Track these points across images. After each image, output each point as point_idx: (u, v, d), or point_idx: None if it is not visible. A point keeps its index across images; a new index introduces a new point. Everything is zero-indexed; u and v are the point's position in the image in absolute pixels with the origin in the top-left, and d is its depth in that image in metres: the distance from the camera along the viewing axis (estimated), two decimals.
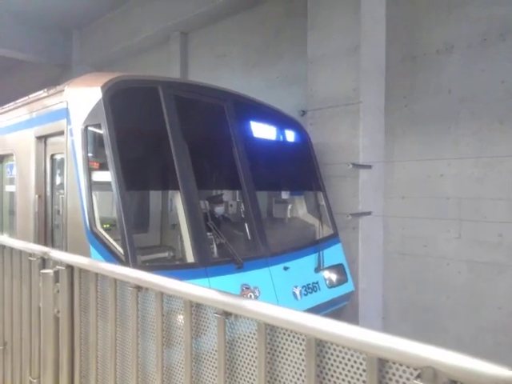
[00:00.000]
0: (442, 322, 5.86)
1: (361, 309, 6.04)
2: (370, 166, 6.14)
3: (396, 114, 6.41)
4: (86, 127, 3.75)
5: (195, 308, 1.30)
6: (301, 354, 1.01)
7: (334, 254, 5.10)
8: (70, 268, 1.84)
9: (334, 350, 0.95)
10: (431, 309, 6.00)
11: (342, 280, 5.02)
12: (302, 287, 4.39)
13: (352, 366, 0.92)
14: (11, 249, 2.34)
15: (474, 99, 5.62)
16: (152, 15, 10.29)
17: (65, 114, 4.05)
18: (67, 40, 13.08)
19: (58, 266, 1.88)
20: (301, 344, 1.01)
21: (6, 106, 5.93)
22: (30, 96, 5.21)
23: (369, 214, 6.17)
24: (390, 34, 6.39)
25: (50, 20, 11.90)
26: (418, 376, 0.78)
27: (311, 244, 4.93)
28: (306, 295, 4.38)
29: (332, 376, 0.97)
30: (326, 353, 0.97)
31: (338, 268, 5.05)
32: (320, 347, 0.97)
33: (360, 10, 5.99)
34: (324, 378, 0.98)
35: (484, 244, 5.57)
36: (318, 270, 4.72)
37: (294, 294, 4.27)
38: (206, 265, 3.58)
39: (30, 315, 2.13)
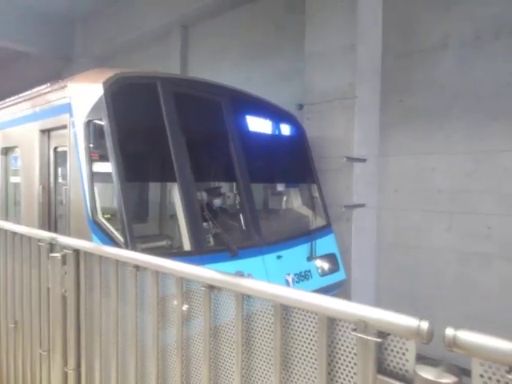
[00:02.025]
0: (431, 311, 6.07)
1: (353, 297, 6.26)
2: (364, 160, 6.32)
3: (391, 109, 6.57)
4: (89, 122, 3.93)
5: (185, 283, 1.51)
6: (270, 318, 1.22)
7: (326, 244, 5.30)
8: (77, 252, 2.06)
9: (296, 313, 1.16)
10: (421, 298, 6.22)
11: (334, 269, 5.22)
12: (295, 275, 4.60)
13: (309, 325, 1.13)
14: (21, 235, 2.56)
15: (467, 95, 5.78)
16: (154, 8, 10.39)
17: (68, 108, 4.23)
18: (70, 33, 13.17)
19: (65, 250, 2.09)
20: (271, 310, 1.21)
21: (10, 99, 6.10)
22: (34, 90, 5.39)
23: (362, 206, 6.36)
24: (386, 30, 6.53)
25: (53, 12, 12.01)
26: (355, 329, 0.99)
27: (304, 234, 5.12)
28: (298, 282, 4.59)
29: (294, 334, 1.17)
30: (290, 315, 1.18)
31: (330, 257, 5.25)
32: (285, 311, 1.18)
33: (357, 7, 6.12)
34: (288, 336, 1.19)
35: (473, 235, 5.77)
36: (310, 258, 4.92)
37: (287, 281, 4.48)
38: (201, 253, 3.78)
39: (39, 295, 2.34)
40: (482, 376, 0.85)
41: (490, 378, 0.84)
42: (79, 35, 13.23)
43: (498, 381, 0.83)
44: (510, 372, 0.81)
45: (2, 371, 2.81)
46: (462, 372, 0.92)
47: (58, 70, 13.85)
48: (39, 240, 2.35)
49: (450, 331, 0.84)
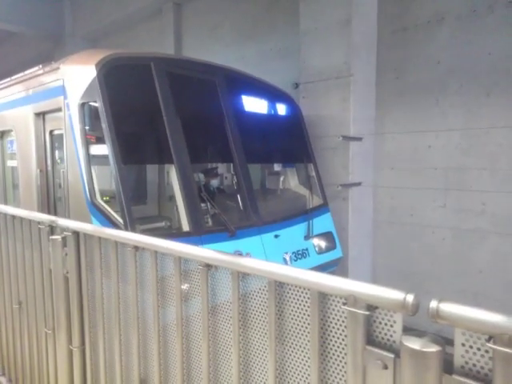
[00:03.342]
0: (426, 287, 6.21)
1: (350, 274, 6.39)
2: (360, 138, 6.32)
3: (387, 86, 6.53)
4: (83, 104, 3.91)
5: (183, 262, 1.56)
6: (265, 295, 1.27)
7: (323, 223, 5.38)
8: (76, 234, 2.11)
9: (289, 289, 1.21)
10: (417, 274, 6.35)
11: (331, 247, 5.32)
12: (292, 253, 4.68)
13: (302, 300, 1.19)
14: (21, 218, 2.60)
15: (462, 71, 5.74)
16: None
17: (61, 91, 4.20)
18: (59, 11, 12.87)
19: (65, 232, 2.14)
20: (265, 287, 1.27)
21: (3, 81, 6.02)
22: (26, 72, 5.31)
23: (359, 184, 6.41)
24: (381, 6, 6.42)
25: None
26: (345, 303, 1.05)
27: (301, 213, 5.19)
28: (295, 261, 4.68)
29: (288, 309, 1.23)
30: (284, 292, 1.23)
31: (327, 236, 5.34)
32: (279, 288, 1.23)
33: None
34: (282, 312, 1.25)
35: (468, 212, 5.84)
36: (307, 237, 5.00)
37: (285, 259, 4.56)
38: (200, 233, 3.84)
39: (41, 277, 2.41)
40: (463, 345, 0.91)
41: (471, 347, 0.90)
42: (68, 14, 12.92)
43: (479, 349, 0.89)
44: (489, 341, 0.87)
45: (9, 350, 2.90)
46: (447, 342, 0.98)
47: (50, 49, 13.59)
48: (39, 223, 2.40)
49: (433, 303, 0.89)
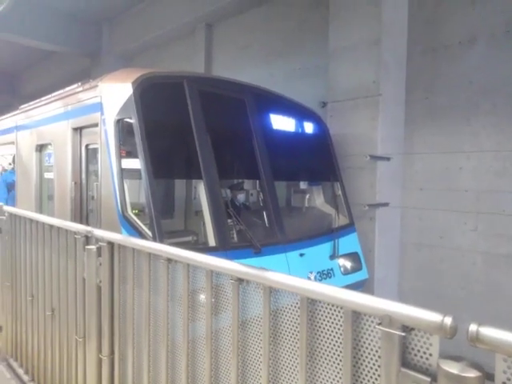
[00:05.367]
0: (456, 312, 5.96)
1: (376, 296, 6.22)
2: (388, 158, 6.26)
3: (416, 105, 6.48)
4: (119, 120, 4.07)
5: (215, 276, 1.59)
6: (297, 311, 1.28)
7: (349, 243, 5.30)
8: (111, 244, 2.18)
9: (322, 306, 1.21)
10: (446, 298, 6.13)
11: (357, 268, 5.22)
12: (317, 273, 4.63)
13: (335, 319, 1.18)
14: (58, 228, 2.71)
15: (496, 91, 5.64)
16: (178, 7, 10.56)
17: (99, 107, 4.39)
18: (97, 31, 13.57)
19: (100, 243, 2.21)
20: (297, 303, 1.27)
21: (43, 98, 6.35)
22: (66, 89, 5.59)
23: (386, 204, 6.32)
24: (411, 26, 6.44)
25: (82, 13, 12.42)
26: (380, 323, 1.04)
27: (327, 232, 5.14)
28: (320, 280, 4.62)
29: (319, 327, 1.23)
30: (316, 309, 1.23)
31: (353, 256, 5.25)
32: (311, 305, 1.23)
33: (381, 2, 6.05)
34: (314, 329, 1.25)
35: (500, 236, 5.64)
36: (332, 257, 4.94)
37: (309, 278, 4.51)
38: (226, 249, 3.87)
39: (75, 285, 2.49)
40: (505, 372, 0.88)
41: None
42: (106, 34, 13.58)
43: None
44: None
45: (39, 356, 2.99)
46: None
47: (86, 67, 14.28)
48: (75, 233, 2.49)
49: (473, 327, 0.88)
